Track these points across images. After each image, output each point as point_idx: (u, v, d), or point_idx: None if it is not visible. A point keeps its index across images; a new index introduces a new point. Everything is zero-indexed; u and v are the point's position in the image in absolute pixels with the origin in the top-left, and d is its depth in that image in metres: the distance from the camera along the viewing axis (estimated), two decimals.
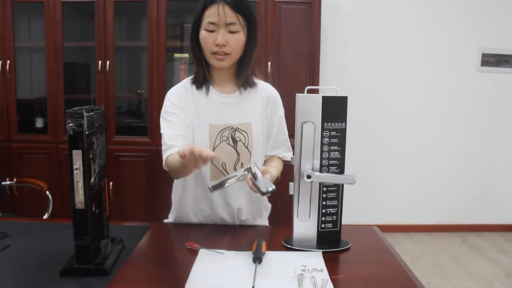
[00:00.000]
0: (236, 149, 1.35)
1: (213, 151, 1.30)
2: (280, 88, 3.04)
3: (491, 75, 3.56)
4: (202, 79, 1.35)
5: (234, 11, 1.25)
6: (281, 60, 2.90)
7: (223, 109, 1.35)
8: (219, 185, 1.16)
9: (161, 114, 1.35)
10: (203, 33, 1.28)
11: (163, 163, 1.30)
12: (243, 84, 1.36)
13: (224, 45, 1.26)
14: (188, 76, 1.41)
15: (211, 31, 1.26)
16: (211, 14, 1.25)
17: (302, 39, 2.90)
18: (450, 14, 3.48)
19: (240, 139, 1.35)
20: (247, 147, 1.35)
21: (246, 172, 1.14)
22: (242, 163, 1.35)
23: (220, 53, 1.28)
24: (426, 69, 3.54)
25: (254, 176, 1.13)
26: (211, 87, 1.36)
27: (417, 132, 3.60)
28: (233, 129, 1.35)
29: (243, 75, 1.35)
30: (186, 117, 1.34)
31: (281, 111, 1.45)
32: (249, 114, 1.37)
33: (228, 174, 1.34)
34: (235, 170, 1.36)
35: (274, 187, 1.12)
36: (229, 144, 1.34)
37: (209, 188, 1.18)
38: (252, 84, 1.38)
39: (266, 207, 1.51)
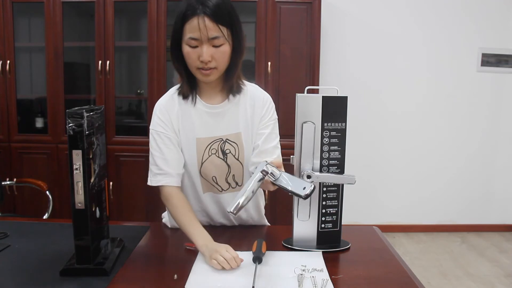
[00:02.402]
0: (226, 162, 1.30)
1: (201, 166, 1.29)
2: (280, 88, 3.03)
3: (491, 75, 3.56)
4: (187, 91, 1.29)
5: (215, 23, 1.15)
6: (281, 60, 2.89)
7: (211, 121, 1.29)
8: (238, 207, 1.03)
9: (150, 129, 1.30)
10: (186, 49, 1.20)
11: (152, 184, 1.27)
12: (230, 91, 1.30)
13: (209, 60, 1.19)
14: None
15: (194, 47, 1.18)
16: (192, 29, 1.16)
17: (302, 39, 2.90)
18: (450, 14, 3.48)
19: (230, 151, 1.30)
20: (237, 159, 1.31)
21: (262, 175, 1.05)
22: (233, 175, 1.32)
23: (206, 69, 1.20)
24: (426, 69, 3.54)
25: (273, 175, 1.05)
26: (198, 97, 1.30)
27: (417, 132, 3.60)
28: (222, 141, 1.30)
29: (229, 83, 1.29)
30: (176, 135, 1.29)
31: (271, 115, 1.33)
32: (238, 124, 1.30)
33: (220, 187, 1.32)
34: (227, 182, 1.32)
35: (312, 186, 1.01)
36: (218, 157, 1.29)
37: (229, 212, 1.05)
38: (239, 90, 1.31)
39: (262, 204, 1.50)
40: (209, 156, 1.29)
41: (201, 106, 1.30)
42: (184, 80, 1.28)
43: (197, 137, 1.29)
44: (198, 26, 1.15)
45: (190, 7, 1.16)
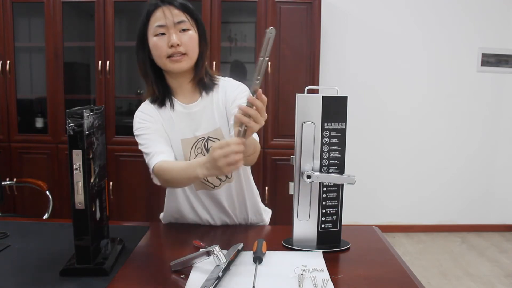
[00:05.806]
0: None
1: None
2: (280, 88, 3.02)
3: (491, 75, 3.56)
4: (159, 94, 1.28)
5: (180, 11, 1.21)
6: (281, 60, 2.89)
7: (191, 121, 1.29)
8: (180, 264, 1.03)
9: (134, 134, 1.29)
10: (153, 40, 1.21)
11: (151, 170, 1.23)
12: (201, 87, 1.30)
13: (178, 44, 1.20)
14: None
15: (162, 34, 1.21)
16: (158, 18, 1.20)
17: (302, 39, 2.89)
18: (450, 14, 3.48)
19: None
20: None
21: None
22: None
23: (176, 55, 1.21)
24: (426, 69, 3.54)
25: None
26: (174, 99, 1.30)
27: (417, 132, 3.61)
28: (205, 140, 1.30)
29: (198, 75, 1.29)
30: (162, 128, 1.28)
31: (244, 92, 1.27)
32: (215, 119, 1.29)
33: (211, 184, 1.33)
34: (217, 178, 1.33)
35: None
36: (204, 156, 1.28)
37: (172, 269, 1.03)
38: (210, 86, 1.31)
39: (264, 209, 1.50)
40: (196, 155, 1.30)
41: (179, 108, 1.30)
42: (148, 82, 1.28)
43: (181, 139, 1.29)
44: (164, 14, 1.20)
45: (153, 4, 1.23)
